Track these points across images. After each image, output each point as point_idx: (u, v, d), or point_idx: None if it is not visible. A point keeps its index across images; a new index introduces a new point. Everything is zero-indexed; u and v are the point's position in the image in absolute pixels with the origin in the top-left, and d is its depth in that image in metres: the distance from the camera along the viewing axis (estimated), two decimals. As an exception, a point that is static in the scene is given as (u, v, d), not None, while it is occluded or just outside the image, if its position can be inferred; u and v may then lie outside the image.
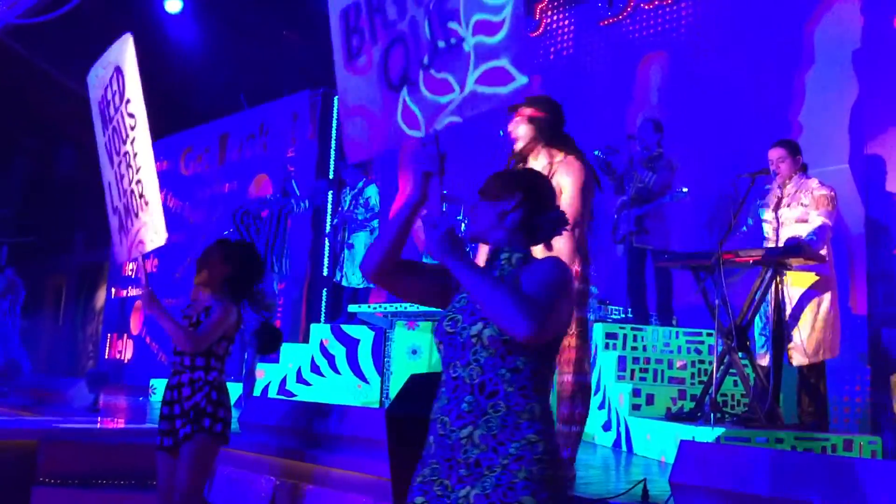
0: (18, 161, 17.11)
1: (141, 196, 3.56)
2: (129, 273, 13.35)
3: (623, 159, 6.46)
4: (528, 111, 3.65)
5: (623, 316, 6.36)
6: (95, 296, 15.43)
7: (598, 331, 5.74)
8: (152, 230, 3.53)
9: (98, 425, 6.44)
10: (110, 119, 3.76)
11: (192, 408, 3.32)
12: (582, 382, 3.60)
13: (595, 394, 5.55)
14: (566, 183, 3.54)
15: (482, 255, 3.51)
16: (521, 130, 3.68)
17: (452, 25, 2.05)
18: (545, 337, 1.78)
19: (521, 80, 1.92)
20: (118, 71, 3.67)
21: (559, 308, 1.82)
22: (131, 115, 3.59)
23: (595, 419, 5.47)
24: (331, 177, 10.67)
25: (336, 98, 10.81)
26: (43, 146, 15.86)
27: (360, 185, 8.30)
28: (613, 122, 7.73)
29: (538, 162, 3.65)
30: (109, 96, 3.75)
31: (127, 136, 3.62)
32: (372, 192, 8.25)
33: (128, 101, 3.61)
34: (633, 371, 5.54)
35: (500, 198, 1.97)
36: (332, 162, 10.71)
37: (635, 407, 5.22)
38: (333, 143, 10.77)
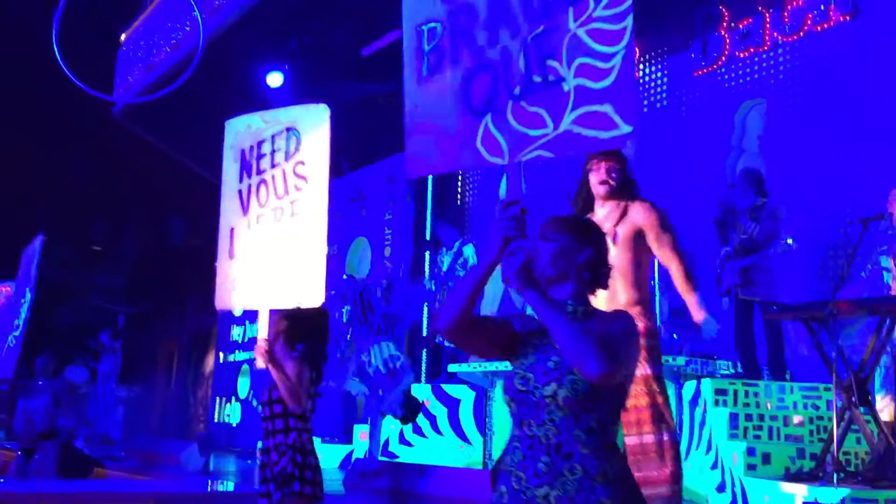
0: (131, 233, 18.02)
1: (292, 253, 3.64)
2: (237, 338, 13.74)
3: (725, 210, 6.31)
4: (612, 162, 3.65)
5: (732, 371, 6.13)
6: (205, 361, 15.93)
7: (707, 387, 5.54)
8: (303, 287, 3.59)
9: (209, 488, 6.58)
10: (258, 170, 3.89)
11: (280, 472, 3.39)
12: (671, 440, 3.49)
13: (707, 453, 5.35)
14: (652, 226, 3.55)
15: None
16: (612, 180, 3.67)
17: (552, 63, 2.06)
18: (614, 379, 1.81)
19: (625, 129, 1.92)
20: (292, 131, 3.81)
21: (627, 355, 1.87)
22: (301, 177, 3.71)
23: (709, 480, 5.25)
24: (427, 238, 10.81)
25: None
26: (154, 218, 16.65)
27: (457, 245, 8.37)
28: (712, 172, 7.58)
29: (604, 209, 3.65)
30: (266, 150, 3.89)
31: (286, 193, 3.74)
32: (469, 252, 8.30)
33: (300, 162, 3.74)
34: (745, 429, 5.31)
35: (571, 247, 1.98)
36: (428, 222, 10.85)
37: (751, 467, 4.99)
38: (429, 204, 10.92)
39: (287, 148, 3.80)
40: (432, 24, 2.33)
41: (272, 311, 3.66)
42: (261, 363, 3.49)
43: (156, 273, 16.83)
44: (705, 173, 7.56)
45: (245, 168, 3.97)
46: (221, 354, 14.28)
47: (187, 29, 11.19)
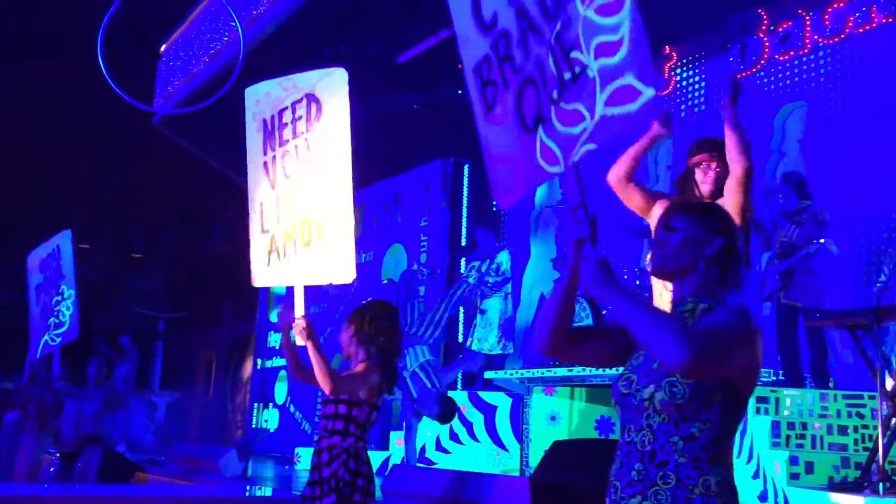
0: (171, 240, 18.27)
1: (321, 226, 3.52)
2: (274, 345, 13.86)
3: (767, 214, 6.23)
4: (718, 162, 3.58)
5: (774, 378, 6.04)
6: (243, 367, 16.08)
7: (748, 394, 5.46)
8: (334, 263, 3.46)
9: (248, 493, 6.63)
10: (282, 141, 3.78)
11: (332, 475, 3.31)
12: None
13: (748, 462, 5.27)
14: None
15: (662, 298, 3.40)
16: (713, 174, 3.60)
17: (575, 55, 2.04)
18: (703, 372, 1.67)
19: (648, 92, 1.87)
20: (312, 98, 3.69)
21: (728, 350, 1.70)
22: (324, 146, 3.59)
23: (750, 489, 5.18)
24: (463, 244, 10.81)
25: (466, 167, 11.02)
26: (192, 225, 16.87)
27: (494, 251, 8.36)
28: (752, 176, 7.48)
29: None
30: (287, 119, 3.77)
31: (312, 162, 3.62)
32: (504, 258, 8.29)
33: (322, 129, 3.62)
34: (788, 437, 5.22)
35: (699, 238, 1.86)
36: (464, 229, 10.85)
37: (794, 476, 4.90)
38: (465, 210, 10.93)
39: (308, 116, 3.67)
40: (483, 62, 2.35)
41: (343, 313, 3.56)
42: (300, 340, 3.39)
43: (194, 280, 17.05)
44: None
45: (268, 138, 3.85)
46: (259, 361, 14.40)
47: (225, 39, 11.33)
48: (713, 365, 1.69)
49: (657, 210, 3.52)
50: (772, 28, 7.80)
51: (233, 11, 8.77)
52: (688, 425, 1.74)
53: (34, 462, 7.68)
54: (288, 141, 3.75)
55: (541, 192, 9.68)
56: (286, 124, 3.77)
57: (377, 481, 3.88)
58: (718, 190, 3.57)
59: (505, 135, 2.29)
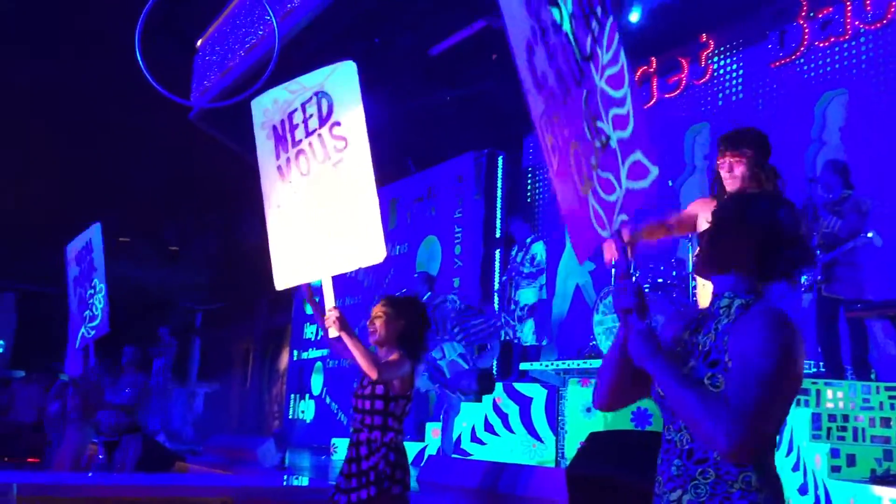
0: (207, 233, 18.48)
1: (345, 214, 3.51)
2: (310, 336, 13.97)
3: (805, 204, 6.12)
4: (748, 151, 3.53)
5: (814, 370, 5.96)
6: (279, 358, 16.23)
7: (788, 386, 5.39)
8: (363, 246, 3.45)
9: (285, 483, 6.69)
10: (294, 142, 3.77)
11: (371, 469, 3.31)
12: None
13: (787, 455, 5.20)
14: None
15: (706, 289, 3.37)
16: (738, 171, 3.55)
17: (600, 125, 2.02)
18: (752, 447, 1.64)
19: (654, 171, 1.87)
20: (322, 95, 3.69)
21: (772, 401, 1.65)
22: (340, 138, 3.59)
23: (790, 482, 5.11)
24: (497, 235, 10.79)
25: (500, 158, 11.00)
26: (229, 218, 17.04)
27: (529, 241, 8.33)
28: (791, 166, 7.37)
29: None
30: (298, 120, 3.77)
31: (327, 157, 3.62)
32: (538, 249, 8.25)
33: (335, 123, 3.62)
34: (829, 430, 5.15)
35: (734, 230, 1.83)
36: (498, 220, 10.83)
37: (835, 469, 4.83)
38: (499, 201, 10.90)
39: (319, 112, 3.66)
40: (542, 115, 2.33)
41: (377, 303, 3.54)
42: (333, 332, 3.38)
43: (230, 272, 17.23)
44: (783, 167, 7.34)
45: (280, 142, 3.85)
46: (295, 352, 14.53)
47: (260, 33, 11.42)
48: (763, 428, 1.66)
49: (692, 209, 3.50)
50: (811, 14, 7.66)
51: (267, 6, 8.83)
52: None
53: (78, 452, 7.83)
54: (301, 140, 3.75)
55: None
56: (297, 125, 3.77)
57: (413, 472, 3.89)
58: (745, 185, 3.50)
59: (568, 193, 2.27)
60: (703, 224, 3.33)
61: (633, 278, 1.92)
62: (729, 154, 3.50)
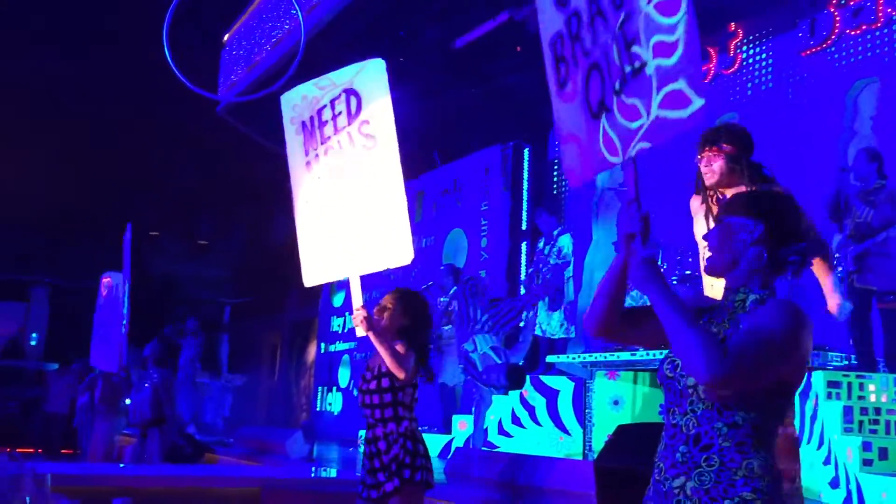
0: (235, 227, 18.61)
1: (373, 214, 3.52)
2: (337, 329, 14.03)
3: (838, 194, 6.02)
4: (725, 146, 3.50)
5: (846, 363, 5.88)
6: (307, 351, 16.34)
7: (819, 379, 5.33)
8: (391, 247, 3.47)
9: (313, 474, 6.75)
10: (323, 139, 3.79)
11: (393, 460, 3.36)
12: (788, 435, 3.34)
13: (819, 448, 5.15)
14: None
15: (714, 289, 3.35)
16: (716, 166, 3.52)
17: (636, 49, 2.00)
18: (733, 385, 1.69)
19: (698, 102, 1.84)
20: (351, 93, 3.70)
21: (767, 364, 1.70)
22: (368, 136, 3.61)
23: (822, 475, 5.06)
24: (523, 228, 10.76)
25: (526, 150, 10.96)
26: (256, 212, 17.16)
27: (555, 234, 8.30)
28: (822, 155, 7.27)
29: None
30: (327, 116, 3.78)
31: (357, 155, 3.63)
32: (565, 242, 8.22)
33: (364, 122, 3.63)
34: (861, 423, 5.08)
35: (740, 226, 1.85)
36: (524, 213, 10.80)
37: (866, 462, 4.78)
38: (525, 194, 10.87)
39: (348, 110, 3.68)
40: (557, 37, 2.32)
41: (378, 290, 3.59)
42: (361, 331, 3.40)
43: (259, 266, 17.34)
44: (814, 157, 7.25)
45: (309, 139, 3.86)
46: (322, 345, 14.61)
47: (287, 27, 11.45)
48: (741, 384, 1.71)
49: (693, 204, 3.50)
50: (843, 2, 7.54)
51: (294, 0, 8.85)
52: (731, 413, 1.76)
53: (109, 442, 7.95)
54: (330, 137, 3.76)
55: (603, 176, 9.57)
56: (326, 122, 3.78)
57: (440, 464, 3.90)
58: (722, 179, 3.46)
59: (574, 115, 2.26)
60: (699, 224, 3.34)
61: (640, 205, 1.92)
62: (707, 149, 3.48)
